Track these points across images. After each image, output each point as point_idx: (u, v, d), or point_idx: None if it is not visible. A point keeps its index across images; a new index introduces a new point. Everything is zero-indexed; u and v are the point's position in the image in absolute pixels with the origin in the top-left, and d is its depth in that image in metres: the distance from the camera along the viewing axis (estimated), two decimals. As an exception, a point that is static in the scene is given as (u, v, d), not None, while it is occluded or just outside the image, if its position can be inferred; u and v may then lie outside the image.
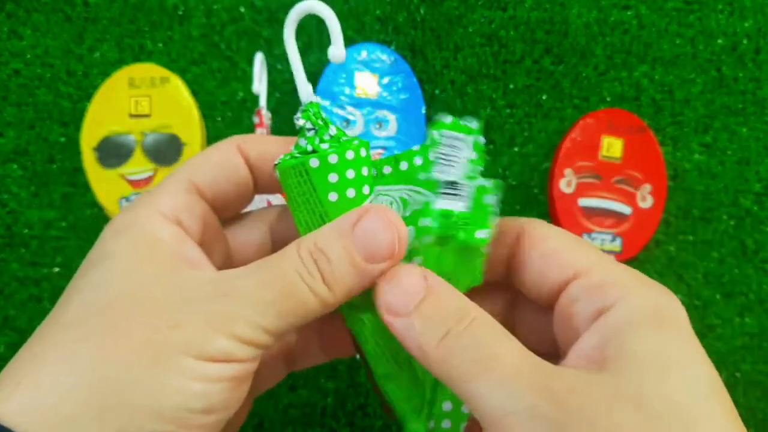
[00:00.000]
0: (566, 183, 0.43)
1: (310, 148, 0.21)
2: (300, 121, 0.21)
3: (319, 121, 0.21)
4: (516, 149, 0.45)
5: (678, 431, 0.16)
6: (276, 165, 0.21)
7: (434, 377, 0.20)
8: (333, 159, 0.20)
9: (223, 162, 0.23)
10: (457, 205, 0.21)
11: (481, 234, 0.20)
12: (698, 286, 0.44)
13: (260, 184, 0.24)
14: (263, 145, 0.24)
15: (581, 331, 0.19)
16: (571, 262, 0.21)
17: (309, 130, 0.21)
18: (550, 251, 0.21)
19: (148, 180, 0.43)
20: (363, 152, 0.21)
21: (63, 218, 0.44)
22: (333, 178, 0.20)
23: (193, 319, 0.19)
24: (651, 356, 0.17)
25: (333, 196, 0.20)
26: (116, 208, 0.42)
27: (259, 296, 0.19)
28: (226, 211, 0.24)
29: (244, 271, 0.20)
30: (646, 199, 0.43)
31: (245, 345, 0.19)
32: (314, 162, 0.20)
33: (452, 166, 0.21)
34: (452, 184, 0.21)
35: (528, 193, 0.45)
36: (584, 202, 0.43)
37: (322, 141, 0.21)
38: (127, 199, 0.43)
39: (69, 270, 0.44)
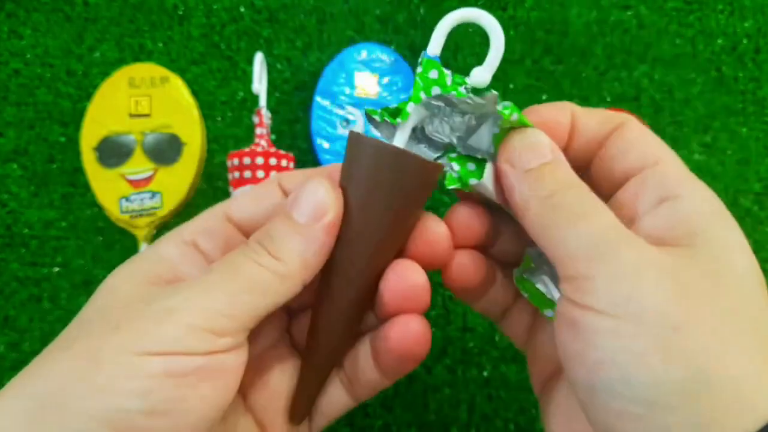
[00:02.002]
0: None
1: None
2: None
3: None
4: (516, 149, 0.45)
5: (754, 304, 0.18)
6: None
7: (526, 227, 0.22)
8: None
9: (259, 191, 0.24)
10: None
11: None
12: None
13: None
14: (296, 176, 0.25)
15: (641, 213, 0.21)
16: (651, 153, 0.22)
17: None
18: (636, 140, 0.22)
19: (148, 180, 0.43)
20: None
21: (63, 218, 0.44)
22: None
23: (136, 317, 0.19)
24: (720, 240, 0.19)
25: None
26: (116, 208, 0.42)
27: (205, 283, 0.19)
28: None
29: (204, 270, 0.21)
30: (646, 199, 0.43)
31: (198, 333, 0.18)
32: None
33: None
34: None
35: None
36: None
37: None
38: (126, 198, 0.43)
39: (69, 270, 0.44)
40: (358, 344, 0.25)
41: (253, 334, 0.24)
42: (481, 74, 0.23)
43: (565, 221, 0.20)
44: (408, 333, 0.23)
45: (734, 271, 0.19)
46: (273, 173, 0.41)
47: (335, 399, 0.25)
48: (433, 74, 0.24)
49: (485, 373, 0.42)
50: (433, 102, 0.24)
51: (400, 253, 0.24)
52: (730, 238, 0.20)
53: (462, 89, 0.23)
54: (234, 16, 0.47)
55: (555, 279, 0.25)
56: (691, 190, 0.20)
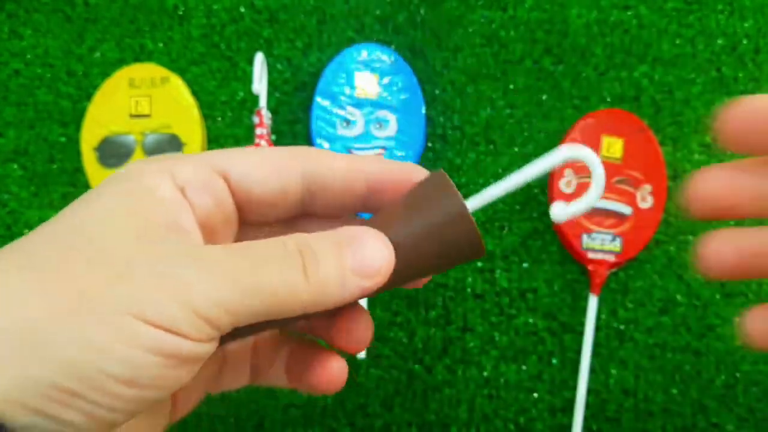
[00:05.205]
0: (566, 183, 0.43)
1: None
2: None
3: None
4: (516, 149, 0.45)
5: None
6: None
7: None
8: None
9: (273, 157, 0.22)
10: None
11: None
12: (698, 286, 0.44)
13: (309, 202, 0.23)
14: (327, 158, 0.22)
15: None
16: None
17: None
18: None
19: (148, 180, 0.43)
20: None
21: (63, 218, 0.44)
22: None
23: (146, 275, 0.17)
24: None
25: None
26: (116, 208, 0.42)
27: (227, 267, 0.18)
28: (255, 210, 0.22)
29: (224, 245, 0.19)
30: (646, 199, 0.43)
31: (197, 319, 0.17)
32: None
33: None
34: None
35: (528, 193, 0.45)
36: (584, 202, 0.43)
37: None
38: (127, 199, 0.43)
39: (69, 270, 0.44)
40: (279, 347, 0.26)
41: None
42: (562, 210, 0.22)
43: None
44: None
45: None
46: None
47: (239, 378, 0.26)
48: None
49: (485, 373, 0.42)
50: None
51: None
52: None
53: None
54: (234, 16, 0.47)
55: None
56: None
